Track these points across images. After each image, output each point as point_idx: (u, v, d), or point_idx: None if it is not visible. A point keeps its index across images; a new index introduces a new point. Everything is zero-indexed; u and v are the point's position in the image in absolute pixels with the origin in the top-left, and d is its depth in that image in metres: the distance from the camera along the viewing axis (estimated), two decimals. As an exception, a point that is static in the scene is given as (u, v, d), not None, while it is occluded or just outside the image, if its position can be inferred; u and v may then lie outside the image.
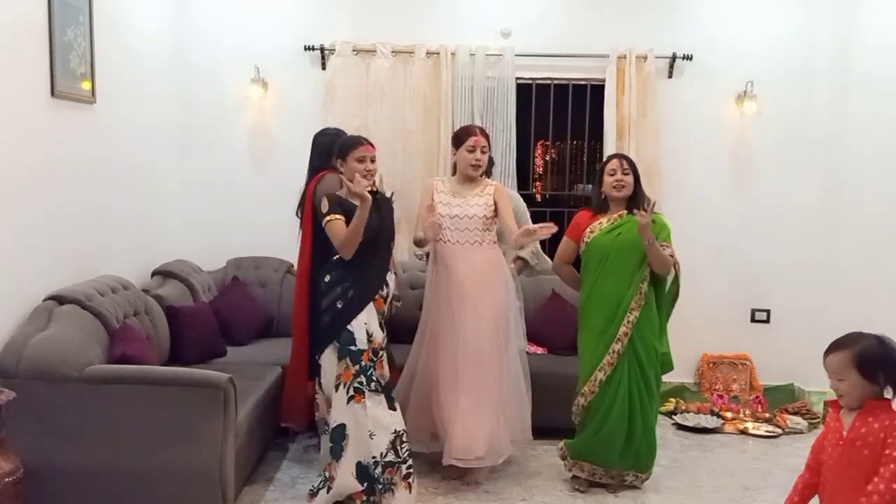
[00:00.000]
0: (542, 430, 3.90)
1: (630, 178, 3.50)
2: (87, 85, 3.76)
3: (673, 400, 4.90)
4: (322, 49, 4.91)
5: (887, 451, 2.12)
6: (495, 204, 3.65)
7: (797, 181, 5.04)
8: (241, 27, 4.95)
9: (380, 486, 3.25)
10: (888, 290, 4.37)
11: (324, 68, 4.94)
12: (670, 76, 5.01)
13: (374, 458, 3.23)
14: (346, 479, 3.25)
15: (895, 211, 4.41)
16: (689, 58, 4.95)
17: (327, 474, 3.32)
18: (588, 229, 3.54)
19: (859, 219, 4.69)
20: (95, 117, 3.85)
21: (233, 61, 4.91)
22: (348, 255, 3.27)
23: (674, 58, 4.95)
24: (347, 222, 3.26)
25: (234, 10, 4.95)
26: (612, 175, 3.50)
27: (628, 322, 3.41)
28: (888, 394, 2.23)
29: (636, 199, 3.51)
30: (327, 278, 3.37)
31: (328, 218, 3.29)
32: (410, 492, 3.32)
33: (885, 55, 4.45)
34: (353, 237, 3.24)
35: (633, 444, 3.52)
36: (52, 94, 3.43)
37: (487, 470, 3.68)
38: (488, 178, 4.08)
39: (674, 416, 4.72)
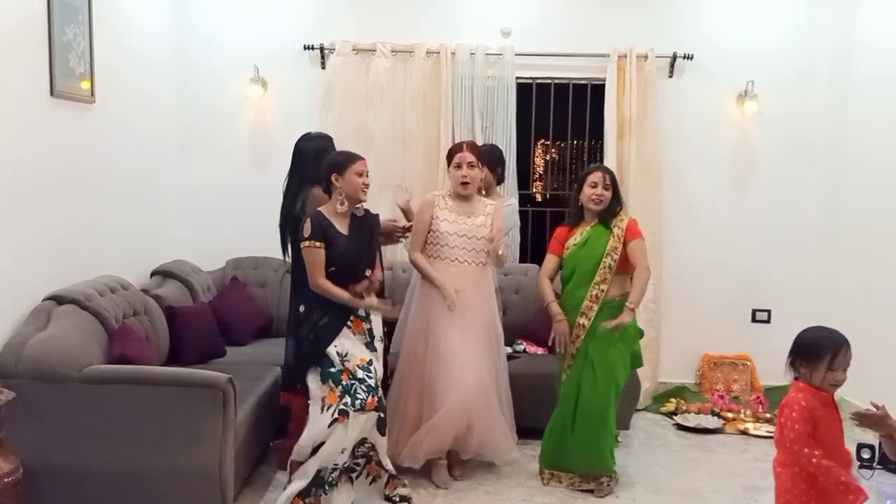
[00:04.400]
0: (542, 430, 3.89)
1: (609, 194, 3.60)
2: (86, 84, 3.75)
3: (674, 400, 4.90)
4: (322, 48, 4.90)
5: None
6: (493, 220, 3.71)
7: (798, 181, 5.04)
8: (240, 27, 4.94)
9: (326, 487, 3.25)
10: (888, 289, 4.36)
11: (323, 68, 4.93)
12: (671, 76, 5.00)
13: (335, 465, 3.26)
14: (298, 484, 3.22)
15: (895, 212, 4.40)
16: (689, 57, 4.95)
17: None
18: (566, 245, 3.69)
19: (860, 218, 4.68)
20: (95, 117, 3.85)
21: (232, 61, 4.91)
22: (314, 289, 3.28)
23: (674, 57, 4.95)
24: (328, 250, 3.25)
25: (234, 9, 4.95)
26: (594, 188, 3.59)
27: (579, 325, 3.57)
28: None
29: (610, 211, 3.64)
30: (302, 308, 3.38)
31: (307, 243, 3.25)
32: (352, 484, 3.37)
33: (886, 55, 4.44)
34: (326, 293, 3.26)
35: (586, 443, 3.58)
36: (52, 93, 3.43)
37: (445, 470, 3.69)
38: (499, 184, 4.09)
39: (674, 417, 4.71)
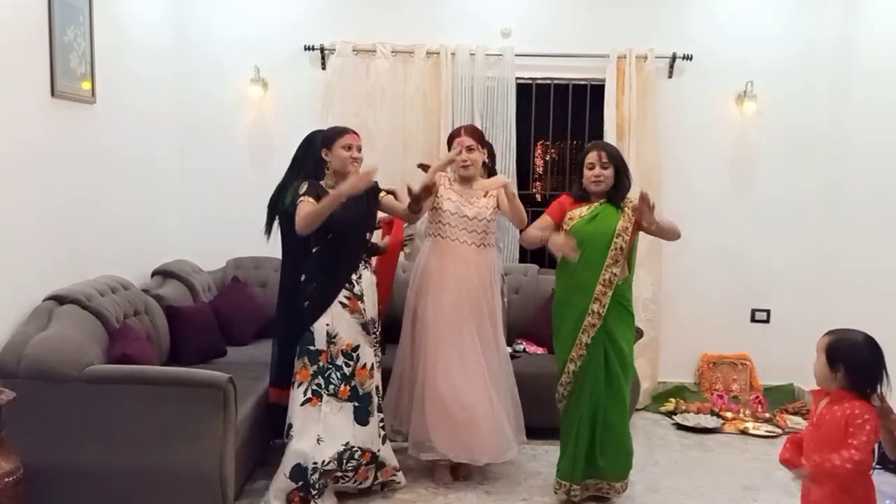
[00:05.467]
0: (542, 430, 3.90)
1: (609, 172, 3.37)
2: (87, 85, 3.76)
3: (673, 400, 4.90)
4: (322, 49, 4.91)
5: (849, 440, 2.29)
6: (497, 200, 3.68)
7: (797, 181, 5.04)
8: (241, 27, 4.95)
9: (314, 492, 3.25)
10: (889, 289, 4.37)
11: (324, 68, 4.94)
12: (670, 76, 5.01)
13: (314, 463, 3.24)
14: (280, 479, 3.26)
15: (895, 211, 4.40)
16: (689, 58, 4.95)
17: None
18: (568, 216, 3.45)
19: (859, 219, 4.68)
20: (95, 117, 3.85)
21: (233, 61, 4.91)
22: (303, 232, 3.19)
23: (674, 58, 4.95)
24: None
25: (235, 10, 4.95)
26: (591, 169, 3.39)
27: (593, 312, 3.34)
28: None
29: (618, 190, 3.41)
30: (304, 277, 3.38)
31: (301, 199, 3.22)
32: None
33: (886, 56, 4.44)
34: (313, 216, 3.15)
35: (604, 448, 3.41)
36: (53, 94, 3.44)
37: (448, 471, 3.69)
38: (489, 175, 4.08)
39: (674, 416, 4.72)
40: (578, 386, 3.41)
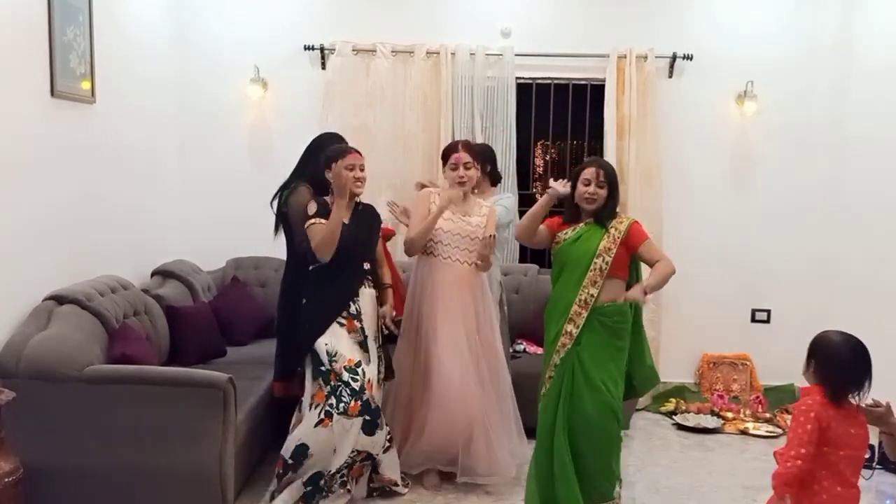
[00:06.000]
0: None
1: (604, 192, 3.23)
2: (86, 85, 3.76)
3: (673, 400, 4.90)
4: (322, 49, 4.91)
5: (788, 433, 2.40)
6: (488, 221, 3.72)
7: (797, 181, 5.04)
8: (241, 27, 4.95)
9: (322, 493, 3.30)
10: (889, 289, 4.37)
11: (324, 68, 4.94)
12: (670, 76, 5.01)
13: (328, 470, 3.29)
14: (296, 488, 3.27)
15: (895, 211, 4.41)
16: (689, 57, 4.95)
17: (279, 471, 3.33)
18: (558, 235, 3.35)
19: (860, 219, 4.69)
20: (95, 117, 3.85)
21: (233, 61, 4.91)
22: (326, 256, 3.25)
23: (674, 57, 4.95)
24: None
25: (235, 10, 4.96)
26: (587, 185, 3.23)
27: (566, 332, 3.19)
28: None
29: (607, 210, 3.26)
30: (304, 300, 3.41)
31: (312, 221, 3.28)
32: (350, 495, 3.41)
33: (886, 56, 4.45)
34: (328, 237, 3.22)
35: (583, 475, 3.17)
36: (52, 94, 3.44)
37: (436, 475, 3.68)
38: (494, 185, 4.09)
39: (674, 417, 4.72)
40: (548, 421, 3.21)
